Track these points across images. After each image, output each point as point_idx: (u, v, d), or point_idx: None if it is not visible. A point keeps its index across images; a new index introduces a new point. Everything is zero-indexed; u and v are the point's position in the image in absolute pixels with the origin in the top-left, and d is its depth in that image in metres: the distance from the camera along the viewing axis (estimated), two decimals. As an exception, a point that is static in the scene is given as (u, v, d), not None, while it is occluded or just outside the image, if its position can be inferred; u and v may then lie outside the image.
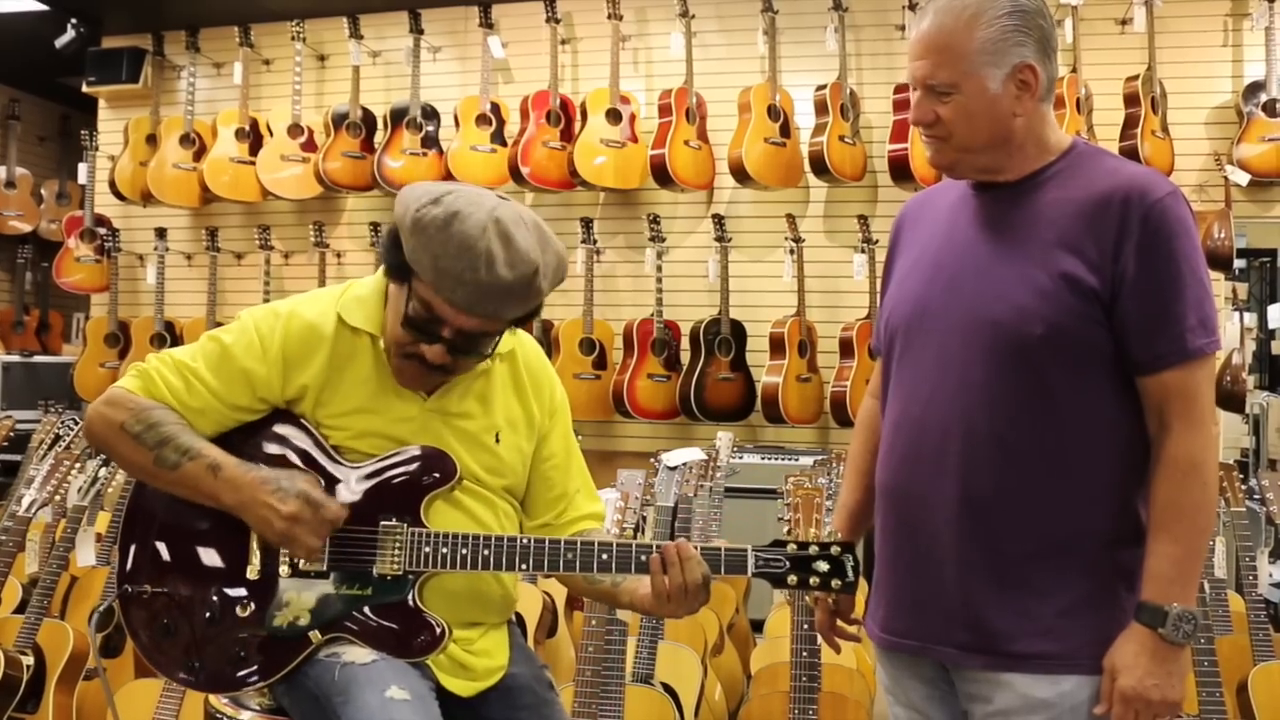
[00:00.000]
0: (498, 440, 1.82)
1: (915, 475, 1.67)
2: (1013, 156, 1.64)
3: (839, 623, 1.88)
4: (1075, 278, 1.55)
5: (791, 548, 1.71)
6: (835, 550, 1.71)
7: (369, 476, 1.75)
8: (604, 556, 1.71)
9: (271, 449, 1.77)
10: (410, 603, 1.72)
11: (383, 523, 1.72)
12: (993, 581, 1.60)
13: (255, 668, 1.72)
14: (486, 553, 1.70)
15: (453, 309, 1.65)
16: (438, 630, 1.71)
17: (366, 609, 1.72)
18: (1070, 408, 1.58)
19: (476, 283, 1.62)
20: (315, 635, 1.71)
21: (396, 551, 1.71)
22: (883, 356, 1.80)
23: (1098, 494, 1.59)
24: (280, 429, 1.77)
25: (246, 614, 1.72)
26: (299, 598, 1.71)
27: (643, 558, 1.70)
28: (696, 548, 1.71)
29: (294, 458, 1.76)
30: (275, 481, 1.68)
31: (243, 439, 1.77)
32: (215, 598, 1.74)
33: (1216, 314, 1.60)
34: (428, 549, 1.71)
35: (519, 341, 1.88)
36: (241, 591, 1.73)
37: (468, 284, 1.62)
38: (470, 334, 1.69)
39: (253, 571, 1.73)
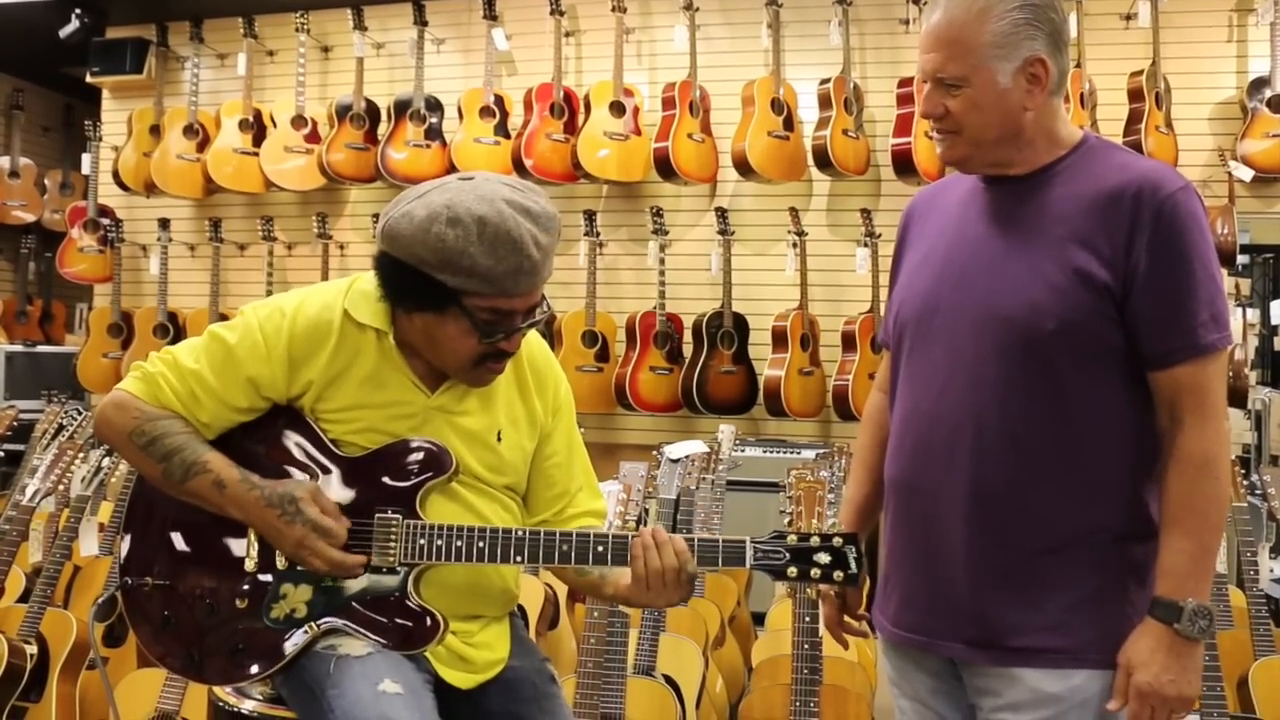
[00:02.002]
0: (499, 439, 1.81)
1: (926, 469, 1.67)
2: (1023, 150, 1.64)
3: (846, 618, 1.88)
4: (1087, 273, 1.55)
5: (792, 539, 1.68)
6: (837, 541, 1.68)
7: (365, 469, 1.75)
8: (599, 548, 1.70)
9: (271, 444, 1.77)
10: (406, 595, 1.72)
11: (378, 515, 1.72)
12: (1003, 576, 1.60)
13: (253, 660, 1.72)
14: (481, 545, 1.70)
15: (519, 298, 1.68)
16: (433, 623, 1.71)
17: (363, 601, 1.72)
18: (1081, 403, 1.58)
19: (531, 263, 1.65)
20: (312, 627, 1.71)
21: (392, 543, 1.71)
22: (891, 351, 1.80)
23: (1109, 489, 1.59)
24: (280, 423, 1.77)
25: (244, 606, 1.73)
26: (295, 590, 1.72)
27: None
28: (695, 540, 1.70)
29: (293, 452, 1.76)
30: (280, 504, 1.68)
31: (243, 434, 1.77)
32: (214, 590, 1.74)
33: (1228, 309, 1.60)
34: (423, 541, 1.70)
35: (524, 340, 1.87)
36: (240, 584, 1.74)
37: (525, 271, 1.65)
38: (534, 305, 1.73)
39: (250, 564, 1.74)
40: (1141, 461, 1.60)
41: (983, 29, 1.58)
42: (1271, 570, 3.56)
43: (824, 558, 1.67)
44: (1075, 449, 1.58)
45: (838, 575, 1.67)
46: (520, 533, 1.72)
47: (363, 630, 1.71)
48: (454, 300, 1.66)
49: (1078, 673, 1.57)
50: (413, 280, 1.66)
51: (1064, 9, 1.67)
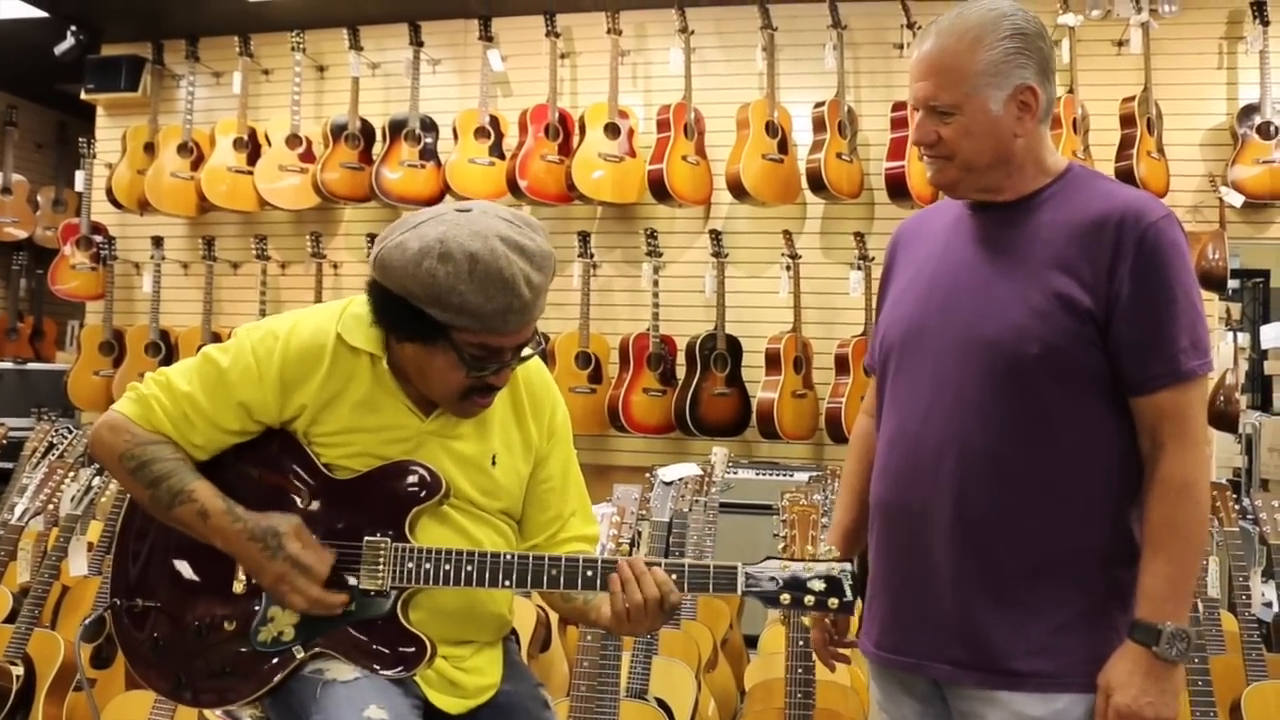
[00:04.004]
0: (494, 463, 1.80)
1: (910, 492, 1.67)
2: (1012, 176, 1.66)
3: (832, 646, 1.87)
4: (1070, 298, 1.57)
5: (785, 566, 1.66)
6: (833, 569, 1.65)
7: (356, 492, 1.74)
8: (589, 573, 1.69)
9: (264, 467, 1.76)
10: (394, 619, 1.70)
11: (367, 538, 1.70)
12: (987, 598, 1.60)
13: (241, 682, 1.71)
14: (470, 568, 1.68)
15: (509, 335, 1.66)
16: (421, 647, 1.70)
17: (351, 625, 1.70)
18: (1065, 426, 1.59)
19: (521, 302, 1.63)
20: (299, 651, 1.70)
21: (380, 567, 1.70)
22: (877, 375, 1.81)
23: (1092, 512, 1.60)
24: (274, 446, 1.76)
25: (233, 629, 1.72)
26: (283, 613, 1.71)
27: None
28: (685, 565, 1.69)
29: (285, 475, 1.75)
30: (262, 538, 1.67)
31: (237, 456, 1.77)
32: (203, 612, 1.74)
33: (1209, 336, 1.62)
34: (411, 564, 1.69)
35: (521, 364, 1.84)
36: (228, 606, 1.73)
37: (515, 310, 1.63)
38: (524, 342, 1.71)
39: (238, 586, 1.73)
40: (1125, 485, 1.61)
41: (975, 57, 1.60)
42: (1263, 595, 3.56)
43: (818, 585, 1.65)
44: (1059, 472, 1.59)
45: (832, 603, 1.65)
46: (509, 557, 1.70)
47: (350, 654, 1.69)
48: (443, 334, 1.64)
49: (1062, 696, 1.57)
50: (402, 311, 1.64)
51: (1052, 36, 1.69)
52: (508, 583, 1.70)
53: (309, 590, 1.67)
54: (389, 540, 1.70)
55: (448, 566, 1.69)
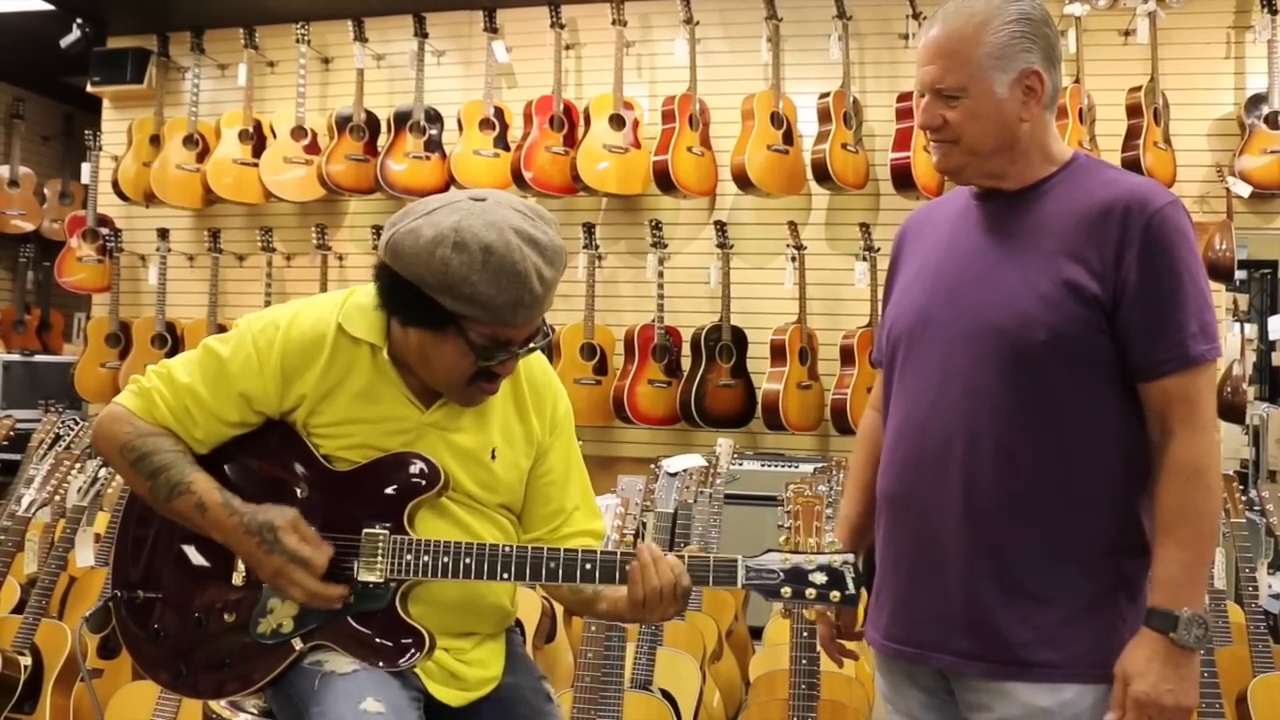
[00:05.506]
0: (494, 457, 1.79)
1: (918, 482, 1.66)
2: (1017, 163, 1.66)
3: (839, 640, 1.87)
4: (1077, 285, 1.56)
5: (786, 558, 1.63)
6: (835, 561, 1.62)
7: (354, 483, 1.73)
8: (587, 566, 1.68)
9: (264, 458, 1.76)
10: (393, 611, 1.70)
11: (365, 530, 1.70)
12: (994, 589, 1.59)
13: (240, 674, 1.71)
14: (468, 561, 1.67)
15: (517, 328, 1.66)
16: (419, 640, 1.69)
17: (349, 617, 1.70)
18: (1073, 415, 1.58)
19: (533, 296, 1.62)
20: (298, 643, 1.70)
21: (379, 559, 1.69)
22: (884, 367, 1.80)
23: (1101, 501, 1.59)
24: (274, 438, 1.76)
25: (232, 620, 1.72)
26: (283, 605, 1.70)
27: (626, 568, 1.67)
28: (685, 557, 1.68)
29: (285, 467, 1.74)
30: (259, 532, 1.67)
31: (237, 447, 1.76)
32: (203, 604, 1.74)
33: (1216, 321, 1.61)
34: (409, 556, 1.68)
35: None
36: (228, 598, 1.73)
37: (526, 304, 1.62)
38: (533, 333, 1.71)
39: (238, 578, 1.73)
40: (1133, 474, 1.60)
41: (980, 41, 1.61)
42: (1270, 586, 3.56)
43: (820, 578, 1.62)
44: (1067, 461, 1.58)
45: (834, 596, 1.62)
46: (508, 549, 1.69)
47: (349, 647, 1.69)
48: (452, 322, 1.64)
49: (1069, 686, 1.56)
50: (411, 298, 1.64)
51: (1060, 27, 1.69)
52: (506, 575, 1.69)
53: (307, 584, 1.66)
54: (387, 532, 1.70)
55: (446, 559, 1.68)
